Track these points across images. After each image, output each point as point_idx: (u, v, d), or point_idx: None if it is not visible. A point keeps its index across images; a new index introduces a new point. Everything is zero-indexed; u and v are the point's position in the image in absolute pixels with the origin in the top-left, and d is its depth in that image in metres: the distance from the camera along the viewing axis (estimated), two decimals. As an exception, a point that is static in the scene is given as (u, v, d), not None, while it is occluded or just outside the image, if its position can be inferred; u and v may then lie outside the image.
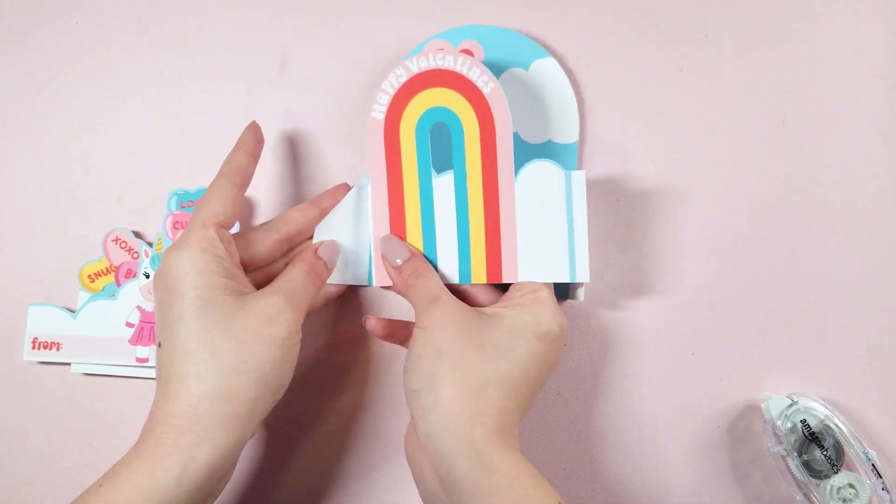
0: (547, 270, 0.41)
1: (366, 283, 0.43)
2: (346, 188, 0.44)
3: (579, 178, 0.41)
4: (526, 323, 0.37)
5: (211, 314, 0.34)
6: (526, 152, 0.44)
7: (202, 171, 0.47)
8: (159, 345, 0.35)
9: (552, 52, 0.46)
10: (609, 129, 0.46)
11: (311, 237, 0.43)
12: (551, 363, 0.38)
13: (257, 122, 0.42)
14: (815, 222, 0.45)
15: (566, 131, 0.45)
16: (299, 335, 0.37)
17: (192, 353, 0.34)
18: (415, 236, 0.43)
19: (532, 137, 0.45)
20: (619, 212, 0.45)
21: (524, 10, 0.47)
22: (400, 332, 0.42)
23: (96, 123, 0.49)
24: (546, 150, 0.45)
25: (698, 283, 0.45)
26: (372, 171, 0.43)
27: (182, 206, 0.46)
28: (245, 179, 0.40)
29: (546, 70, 0.45)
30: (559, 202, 0.41)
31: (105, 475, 0.33)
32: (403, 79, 0.42)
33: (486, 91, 0.41)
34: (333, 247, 0.42)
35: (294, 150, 0.47)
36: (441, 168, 0.42)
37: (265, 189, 0.47)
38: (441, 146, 0.42)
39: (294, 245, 0.43)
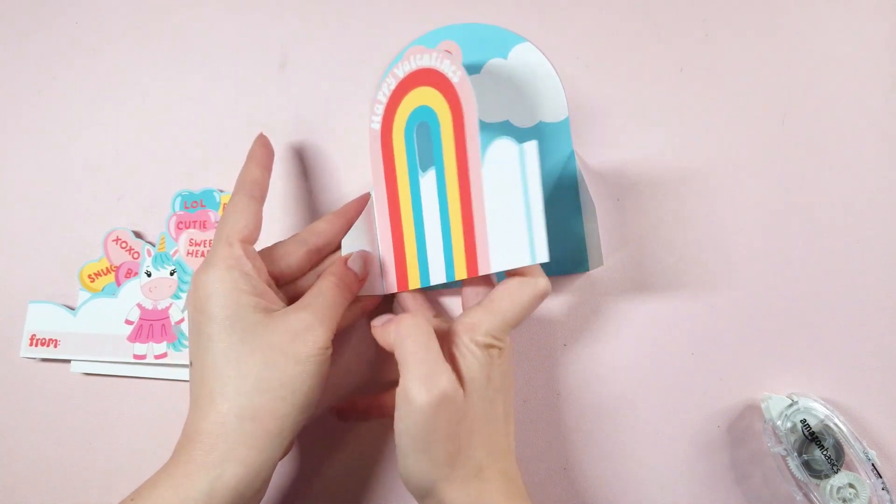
0: (511, 256, 0.38)
1: (380, 293, 0.43)
2: (369, 197, 0.44)
3: (531, 149, 0.37)
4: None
5: (238, 332, 0.34)
6: (519, 137, 0.43)
7: (202, 172, 0.47)
8: (191, 363, 0.36)
9: (552, 52, 0.46)
10: (612, 130, 0.46)
11: (340, 248, 0.42)
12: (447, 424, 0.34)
13: (264, 133, 0.43)
14: (814, 222, 0.45)
15: (555, 110, 0.45)
16: (329, 350, 0.36)
17: (219, 372, 0.34)
18: (409, 238, 0.43)
19: (523, 122, 0.45)
20: (619, 212, 0.45)
21: (525, 12, 0.47)
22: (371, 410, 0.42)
23: (96, 123, 0.49)
24: (538, 131, 0.45)
25: (698, 282, 0.45)
26: (374, 181, 0.43)
27: (186, 207, 0.46)
28: (262, 192, 0.40)
29: (525, 54, 0.45)
30: (516, 180, 0.38)
31: (136, 490, 0.33)
32: (393, 86, 0.42)
33: (454, 80, 0.40)
34: (364, 257, 0.41)
35: (294, 149, 0.47)
36: (425, 166, 0.42)
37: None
38: (424, 144, 0.42)
39: (323, 256, 0.42)
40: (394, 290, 0.43)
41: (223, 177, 0.47)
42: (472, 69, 0.44)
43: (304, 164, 0.47)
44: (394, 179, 0.43)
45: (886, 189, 0.45)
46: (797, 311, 0.44)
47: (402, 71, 0.42)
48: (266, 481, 0.35)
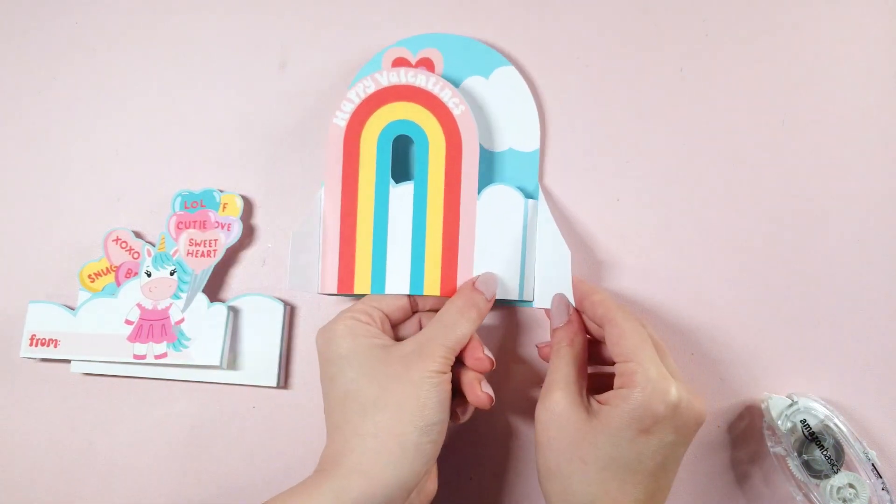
0: (503, 289, 0.42)
1: (314, 292, 0.44)
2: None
3: (534, 206, 0.43)
4: (624, 420, 0.35)
5: (358, 366, 0.37)
6: (487, 160, 0.45)
7: (201, 172, 0.47)
8: (324, 396, 0.39)
9: (552, 53, 0.47)
10: (610, 128, 0.46)
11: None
12: (672, 447, 0.36)
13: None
14: (814, 222, 0.45)
15: (527, 139, 0.45)
16: (444, 375, 0.37)
17: (344, 402, 0.37)
18: (364, 243, 0.43)
19: (493, 145, 0.45)
20: (618, 212, 0.45)
21: (524, 12, 0.47)
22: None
23: (96, 123, 0.49)
24: (507, 157, 0.45)
25: (698, 283, 0.45)
26: (327, 176, 0.43)
27: (186, 207, 0.46)
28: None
29: (506, 79, 0.45)
30: (516, 226, 0.42)
31: (268, 500, 0.35)
32: (371, 90, 0.43)
33: (456, 112, 0.43)
34: (492, 279, 0.42)
35: (293, 149, 0.47)
36: (398, 179, 0.43)
37: (264, 189, 0.47)
38: (398, 158, 0.44)
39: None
40: (332, 291, 0.43)
41: (223, 177, 0.47)
42: (451, 83, 0.44)
43: (303, 164, 0.47)
44: (354, 180, 0.43)
45: (886, 189, 0.45)
46: (797, 312, 0.44)
47: (385, 80, 0.43)
48: (396, 500, 0.35)
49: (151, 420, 0.46)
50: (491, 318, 0.45)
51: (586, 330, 0.41)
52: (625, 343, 0.37)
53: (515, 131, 0.45)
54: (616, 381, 0.36)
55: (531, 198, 0.43)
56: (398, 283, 0.43)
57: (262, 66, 0.48)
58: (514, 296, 0.42)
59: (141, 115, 0.49)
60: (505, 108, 0.45)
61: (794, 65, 0.46)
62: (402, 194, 0.43)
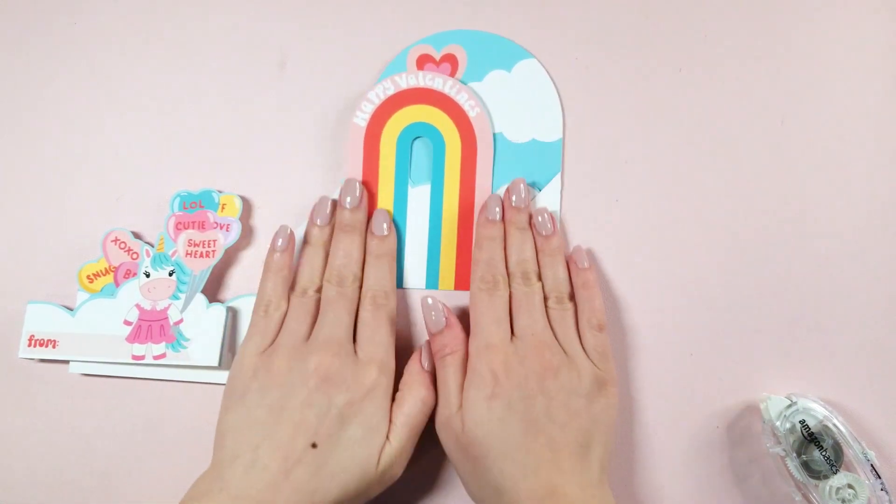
0: None
1: None
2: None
3: (543, 199, 0.45)
4: (472, 392, 0.38)
5: None
6: (510, 151, 0.46)
7: (201, 172, 0.47)
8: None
9: (552, 54, 0.46)
10: (611, 131, 0.46)
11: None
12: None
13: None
14: (814, 222, 0.45)
15: (550, 129, 0.46)
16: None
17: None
18: None
19: (517, 137, 0.46)
20: (618, 212, 0.45)
21: (524, 12, 0.47)
22: None
23: (95, 124, 0.49)
24: (531, 148, 0.45)
25: (698, 283, 0.45)
26: (349, 173, 0.45)
27: (185, 208, 0.46)
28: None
29: (528, 71, 0.46)
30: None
31: None
32: (391, 91, 0.45)
33: (471, 114, 0.45)
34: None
35: (293, 150, 0.47)
36: (417, 180, 0.45)
37: (263, 189, 0.47)
38: (417, 160, 0.45)
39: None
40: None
41: (222, 177, 0.47)
42: (475, 77, 0.46)
43: (302, 164, 0.47)
44: (374, 179, 0.45)
45: (886, 189, 0.45)
46: (797, 312, 0.44)
47: (404, 82, 0.45)
48: None
49: (150, 420, 0.46)
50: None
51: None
52: (471, 315, 0.41)
53: (539, 122, 0.46)
54: None
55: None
56: (415, 278, 0.45)
57: (261, 66, 0.48)
58: None
59: (140, 115, 0.49)
60: (527, 101, 0.46)
61: (794, 65, 0.46)
62: (419, 194, 0.45)
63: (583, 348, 0.40)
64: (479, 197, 0.44)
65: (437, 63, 0.46)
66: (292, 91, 0.48)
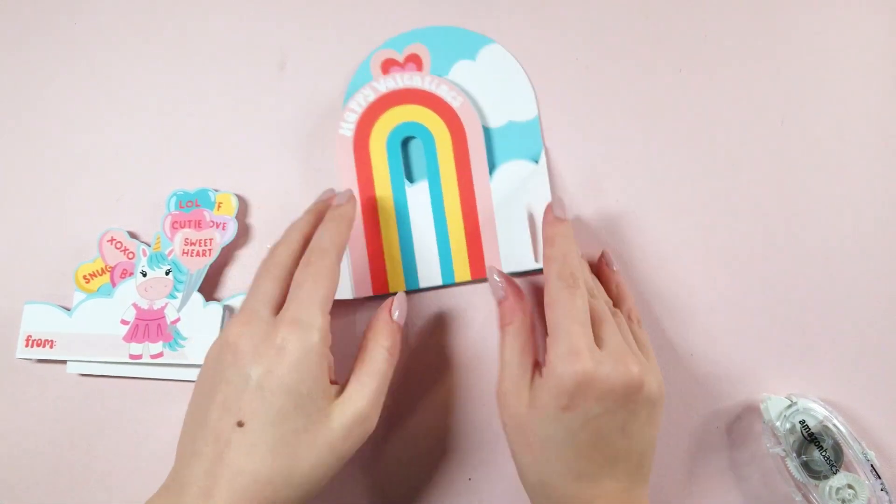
0: (521, 260, 0.43)
1: (348, 297, 0.44)
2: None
3: (539, 170, 0.44)
4: (544, 399, 0.35)
5: (304, 419, 0.34)
6: (489, 136, 0.46)
7: (201, 172, 0.47)
8: (235, 414, 0.34)
9: (552, 54, 0.46)
10: (611, 131, 0.46)
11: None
12: (602, 418, 0.34)
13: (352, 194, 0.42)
14: (814, 222, 0.45)
15: (524, 109, 0.46)
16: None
17: (266, 455, 0.34)
18: (392, 245, 0.45)
19: (493, 122, 0.46)
20: (618, 212, 0.45)
21: (523, 13, 0.47)
22: None
23: (94, 124, 0.49)
24: (509, 130, 0.46)
25: (697, 283, 0.44)
26: (343, 185, 0.45)
27: (181, 207, 0.46)
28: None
29: (493, 55, 0.46)
30: (533, 192, 0.44)
31: None
32: (371, 98, 0.45)
33: (455, 105, 0.45)
34: (404, 303, 0.41)
35: (292, 150, 0.47)
36: (413, 178, 0.45)
37: (262, 190, 0.47)
38: (409, 159, 0.45)
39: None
40: (368, 293, 0.44)
41: (222, 177, 0.47)
42: (441, 71, 0.46)
43: (301, 165, 0.47)
44: (370, 186, 0.45)
45: (886, 189, 0.45)
46: (796, 312, 0.44)
47: (384, 86, 0.45)
48: None
49: (148, 420, 0.46)
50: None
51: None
52: (550, 315, 0.36)
53: (512, 104, 0.46)
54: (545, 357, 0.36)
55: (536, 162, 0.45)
56: (430, 275, 0.44)
57: (260, 67, 0.48)
58: (529, 266, 0.43)
59: (139, 116, 0.49)
60: (497, 84, 0.46)
61: (793, 65, 0.46)
62: (418, 192, 0.45)
63: None
64: (478, 184, 0.44)
65: (402, 64, 0.46)
66: (291, 91, 0.48)
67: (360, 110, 0.45)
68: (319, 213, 0.40)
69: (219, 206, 0.46)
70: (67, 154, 0.49)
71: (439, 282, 0.44)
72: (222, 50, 0.49)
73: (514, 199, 0.44)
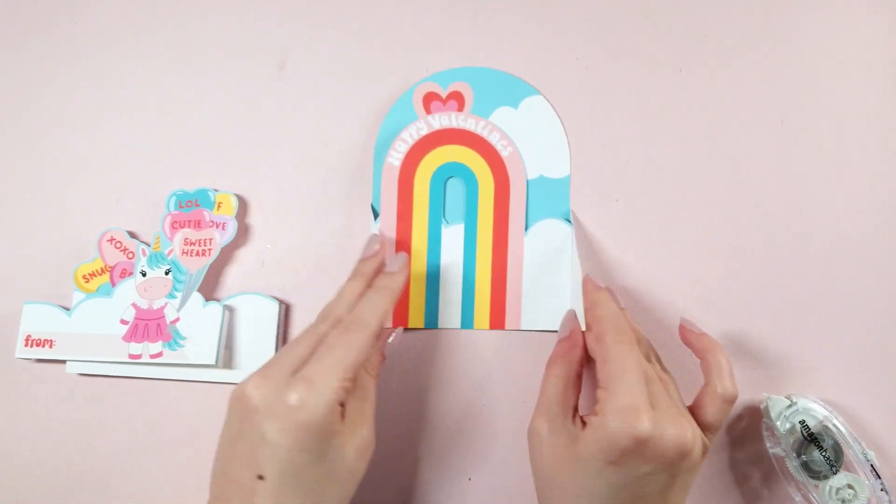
0: (547, 319, 0.44)
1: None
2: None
3: (572, 235, 0.44)
4: (592, 450, 0.34)
5: (317, 459, 0.35)
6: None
7: (200, 172, 0.47)
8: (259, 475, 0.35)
9: (552, 55, 0.46)
10: (611, 131, 0.46)
11: None
12: (648, 478, 0.34)
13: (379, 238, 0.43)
14: (814, 222, 0.45)
15: (558, 166, 0.46)
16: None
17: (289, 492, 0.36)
18: (418, 279, 0.45)
19: (528, 174, 0.46)
20: (618, 212, 0.45)
21: (523, 13, 0.47)
22: None
23: (94, 124, 0.49)
24: (539, 184, 0.45)
25: (697, 283, 0.44)
26: (383, 213, 0.45)
27: (181, 207, 0.46)
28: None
29: (535, 108, 0.46)
30: (564, 255, 0.44)
31: None
32: (424, 132, 0.45)
33: (504, 154, 0.45)
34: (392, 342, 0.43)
35: (291, 149, 0.47)
36: (451, 219, 0.45)
37: (262, 190, 0.47)
38: (450, 199, 0.45)
39: None
40: (387, 325, 0.44)
41: (222, 177, 0.47)
42: (482, 113, 0.46)
43: (301, 165, 0.47)
44: (408, 218, 0.45)
45: (886, 189, 0.45)
46: (796, 312, 0.44)
47: (437, 123, 0.45)
48: None
49: (147, 420, 0.46)
50: (534, 343, 0.45)
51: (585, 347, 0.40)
52: (606, 368, 0.36)
53: (546, 158, 0.46)
54: (595, 408, 0.35)
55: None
56: (450, 318, 0.45)
57: (260, 67, 0.48)
58: (548, 326, 0.44)
59: (138, 115, 0.49)
60: (534, 137, 0.46)
61: (793, 65, 0.46)
62: (453, 234, 0.45)
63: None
64: (513, 236, 0.44)
65: (444, 101, 0.46)
66: (291, 91, 0.48)
67: (411, 142, 0.45)
68: (369, 279, 0.41)
69: (218, 206, 0.46)
70: (67, 154, 0.49)
71: (458, 325, 0.44)
72: (222, 50, 0.49)
73: (545, 257, 0.44)
